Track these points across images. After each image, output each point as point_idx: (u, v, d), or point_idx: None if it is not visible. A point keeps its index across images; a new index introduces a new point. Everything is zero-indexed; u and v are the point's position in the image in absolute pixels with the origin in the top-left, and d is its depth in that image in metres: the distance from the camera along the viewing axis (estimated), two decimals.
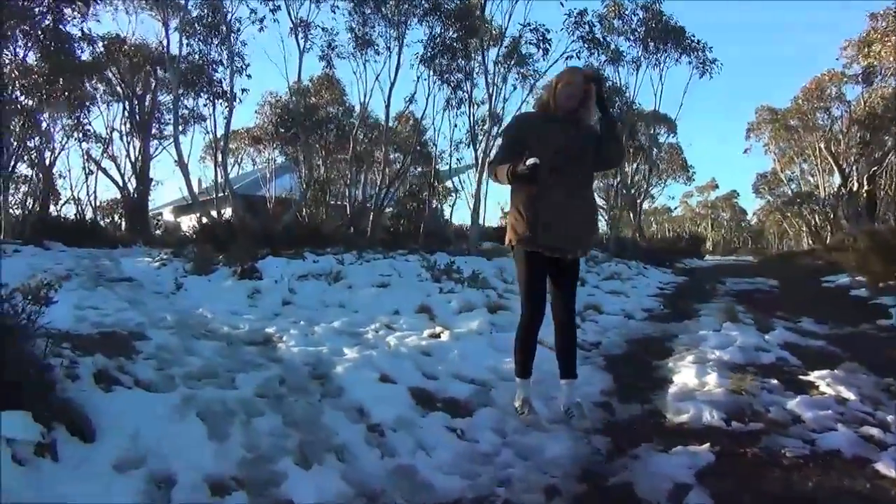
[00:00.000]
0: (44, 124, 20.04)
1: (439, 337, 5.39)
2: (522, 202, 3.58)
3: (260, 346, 5.09)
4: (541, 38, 13.79)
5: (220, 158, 16.47)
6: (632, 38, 16.93)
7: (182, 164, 14.36)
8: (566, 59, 14.59)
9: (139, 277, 9.88)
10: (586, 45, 14.50)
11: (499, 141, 18.77)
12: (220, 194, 17.38)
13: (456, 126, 17.57)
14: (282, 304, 7.37)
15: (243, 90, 16.88)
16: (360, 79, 16.52)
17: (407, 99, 17.52)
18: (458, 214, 73.72)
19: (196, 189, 23.62)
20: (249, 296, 7.82)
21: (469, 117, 16.90)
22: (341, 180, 20.21)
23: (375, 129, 19.48)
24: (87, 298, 7.22)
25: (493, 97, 14.05)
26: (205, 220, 14.69)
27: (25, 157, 20.27)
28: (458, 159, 17.71)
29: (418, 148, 18.50)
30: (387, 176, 16.30)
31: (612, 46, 16.39)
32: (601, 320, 7.20)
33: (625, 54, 17.11)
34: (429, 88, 16.28)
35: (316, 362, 4.57)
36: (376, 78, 15.84)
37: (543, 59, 14.29)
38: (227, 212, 16.49)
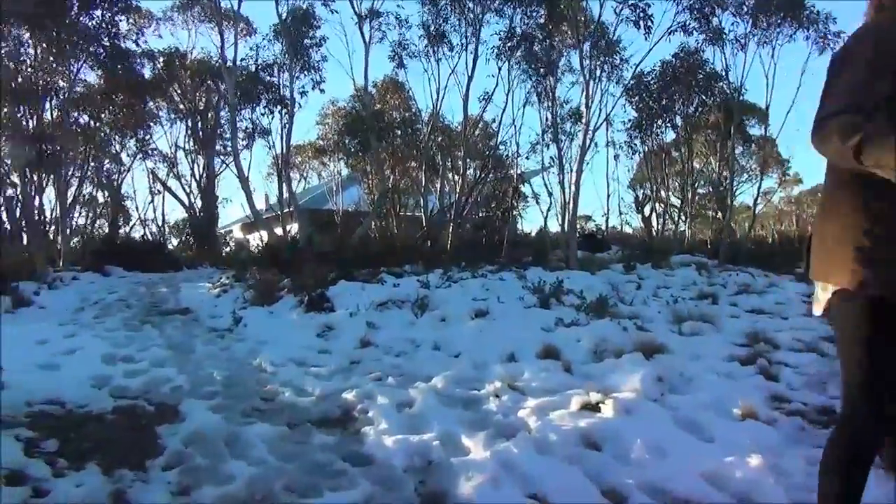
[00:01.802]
0: (112, 145, 19.49)
1: (598, 410, 3.61)
2: (878, 207, 1.77)
3: (337, 432, 3.46)
4: (641, 13, 11.81)
5: (283, 170, 15.24)
6: (737, 12, 14.65)
7: (242, 178, 13.17)
8: (669, 34, 12.56)
9: (195, 307, 8.61)
10: (695, 18, 12.46)
11: (597, 137, 16.83)
12: (286, 210, 16.17)
13: (548, 121, 15.55)
14: (360, 346, 5.80)
15: (302, 93, 15.61)
16: (432, 76, 14.98)
17: (482, 98, 15.88)
18: (528, 222, 71.16)
19: (264, 205, 22.78)
20: (320, 334, 6.30)
21: (552, 114, 15.04)
22: (412, 189, 18.70)
23: (445, 133, 17.92)
24: (125, 344, 5.87)
25: (590, 87, 12.14)
26: (267, 238, 13.43)
27: (93, 178, 19.73)
28: (553, 158, 15.64)
29: (490, 152, 16.81)
30: (466, 182, 14.64)
31: (715, 23, 14.21)
32: (789, 359, 5.25)
33: (727, 32, 14.91)
34: (508, 84, 14.58)
35: (424, 467, 2.90)
36: (452, 70, 14.28)
37: (646, 38, 12.30)
38: (294, 228, 15.22)
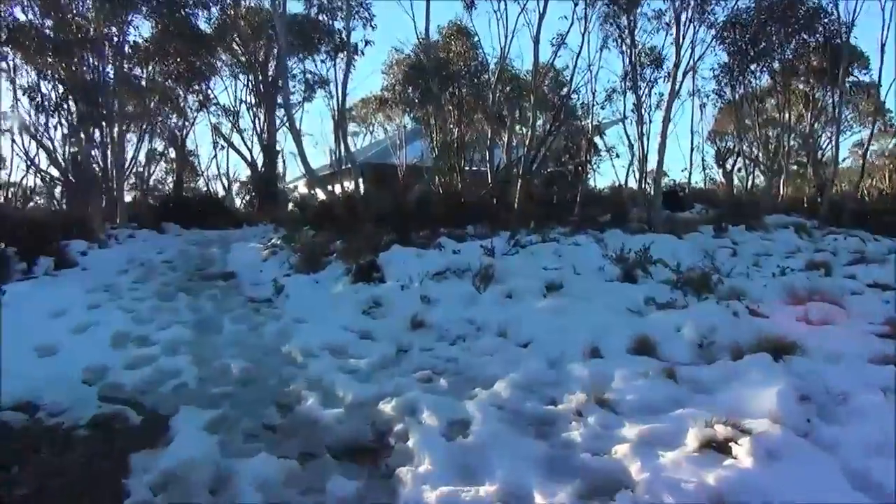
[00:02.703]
0: (174, 98, 19.10)
1: (728, 451, 2.56)
2: None
3: (363, 473, 2.56)
4: None
5: (339, 121, 14.36)
6: None
7: (294, 130, 12.32)
8: None
9: (240, 271, 7.96)
10: None
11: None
12: (346, 166, 15.37)
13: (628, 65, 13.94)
14: (410, 328, 4.91)
15: (366, 42, 14.58)
16: (501, 18, 13.61)
17: (554, 41, 14.35)
18: (599, 177, 67.97)
19: (328, 161, 22.13)
20: (365, 311, 5.44)
21: (630, 59, 13.49)
22: (478, 143, 17.56)
23: (514, 82, 16.57)
24: (147, 320, 5.20)
25: (680, 23, 10.55)
26: (321, 195, 12.69)
27: (156, 131, 19.47)
28: (634, 106, 14.13)
29: (562, 101, 15.35)
30: (535, 135, 13.36)
31: None
32: None
33: None
34: (584, 24, 13.05)
35: None
36: (522, 9, 12.85)
37: None
38: (352, 185, 14.44)
